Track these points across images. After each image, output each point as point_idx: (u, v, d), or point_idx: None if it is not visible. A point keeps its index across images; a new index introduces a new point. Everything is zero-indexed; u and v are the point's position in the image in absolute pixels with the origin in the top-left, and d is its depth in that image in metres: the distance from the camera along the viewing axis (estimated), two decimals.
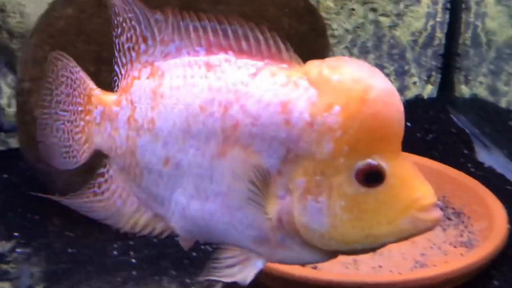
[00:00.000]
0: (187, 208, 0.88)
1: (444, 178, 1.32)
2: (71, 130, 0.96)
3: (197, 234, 0.91)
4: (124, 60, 0.93)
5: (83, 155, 0.95)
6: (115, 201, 0.93)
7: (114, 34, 0.93)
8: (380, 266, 1.17)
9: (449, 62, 1.78)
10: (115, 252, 1.29)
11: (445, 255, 1.20)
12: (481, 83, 1.79)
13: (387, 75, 1.81)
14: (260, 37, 0.83)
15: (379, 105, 0.76)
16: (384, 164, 0.77)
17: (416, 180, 0.79)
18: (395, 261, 1.18)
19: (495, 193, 1.31)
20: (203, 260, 1.22)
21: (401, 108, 0.78)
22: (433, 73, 1.80)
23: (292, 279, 1.08)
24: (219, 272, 0.87)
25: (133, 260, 1.26)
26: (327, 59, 0.81)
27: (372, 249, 0.82)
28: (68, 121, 0.96)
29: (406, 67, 1.78)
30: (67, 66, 0.96)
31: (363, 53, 1.78)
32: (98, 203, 0.94)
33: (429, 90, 1.80)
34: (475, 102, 1.76)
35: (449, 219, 1.27)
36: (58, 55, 0.96)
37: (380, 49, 1.79)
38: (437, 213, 0.78)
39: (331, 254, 0.83)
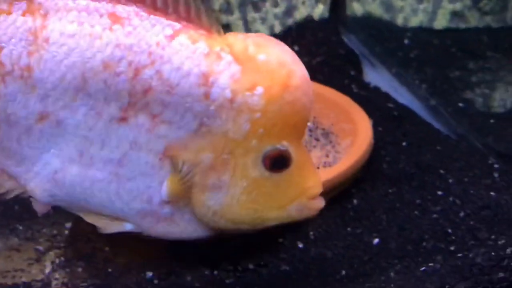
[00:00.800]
0: (61, 172, 0.81)
1: (315, 98, 1.29)
2: None
3: (63, 200, 0.83)
4: None
5: None
6: None
7: None
8: None
9: None
10: None
11: None
12: None
13: None
14: None
15: (299, 93, 0.77)
16: (291, 151, 0.79)
17: (310, 169, 0.82)
18: None
19: (375, 111, 1.24)
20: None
21: (312, 97, 0.80)
22: None
23: None
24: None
25: None
26: (250, 35, 0.80)
27: (256, 230, 0.83)
28: None
29: None
30: None
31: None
32: None
33: (320, 10, 1.72)
34: (368, 21, 1.65)
35: (317, 139, 1.17)
36: None
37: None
38: (321, 203, 0.83)
39: (215, 231, 0.82)
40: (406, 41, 1.61)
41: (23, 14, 0.79)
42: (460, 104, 1.31)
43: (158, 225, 0.83)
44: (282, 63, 0.77)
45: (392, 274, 0.86)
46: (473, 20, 1.69)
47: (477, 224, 0.93)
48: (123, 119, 0.78)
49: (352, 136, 1.12)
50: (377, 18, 1.68)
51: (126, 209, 0.82)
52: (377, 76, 1.49)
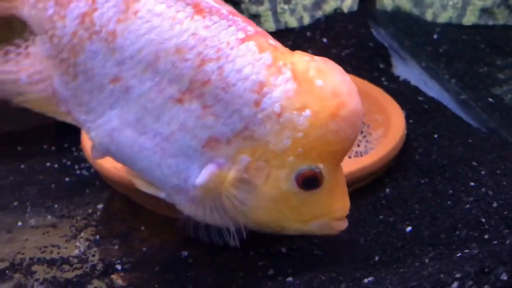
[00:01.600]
0: (118, 131, 0.86)
1: None
2: None
3: (114, 154, 0.89)
4: None
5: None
6: (20, 75, 0.89)
7: None
8: None
9: None
10: None
11: None
12: None
13: None
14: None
15: (344, 124, 0.80)
16: (324, 174, 0.82)
17: (341, 192, 0.85)
18: None
19: (406, 104, 1.25)
20: (75, 185, 1.15)
21: (359, 129, 0.83)
22: None
23: None
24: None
25: None
26: (316, 58, 0.82)
27: (275, 234, 0.88)
28: None
29: None
30: None
31: None
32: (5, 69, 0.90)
33: (349, 3, 1.72)
34: (397, 15, 1.66)
35: None
36: None
37: None
38: (344, 225, 0.86)
39: (237, 224, 0.85)
40: (435, 36, 1.62)
41: None
42: (490, 99, 1.32)
43: (187, 204, 0.86)
44: (336, 92, 0.80)
45: (426, 260, 0.87)
46: (502, 17, 1.69)
47: (511, 214, 0.93)
48: (179, 100, 0.82)
49: (385, 127, 1.13)
50: (407, 12, 1.70)
51: (163, 180, 0.86)
52: (406, 70, 1.50)
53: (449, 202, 0.99)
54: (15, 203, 1.11)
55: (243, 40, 0.81)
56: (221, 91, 0.81)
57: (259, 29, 0.83)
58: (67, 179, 1.17)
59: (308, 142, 0.80)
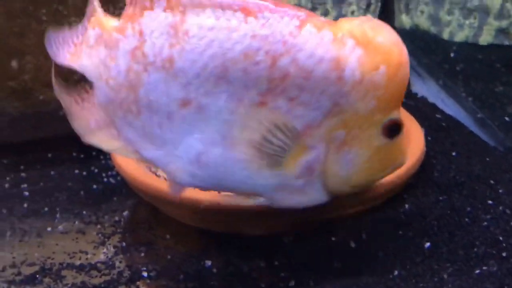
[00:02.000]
0: (205, 154, 0.85)
1: None
2: (71, 36, 0.91)
3: (203, 180, 0.87)
4: None
5: (64, 61, 0.91)
6: (89, 121, 0.89)
7: None
8: None
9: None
10: (6, 185, 1.20)
11: None
12: (422, 12, 1.71)
13: (324, 3, 1.76)
14: None
15: (407, 68, 0.85)
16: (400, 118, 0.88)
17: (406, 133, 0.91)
18: None
19: (424, 121, 1.24)
20: (103, 192, 1.16)
21: None
22: (373, 1, 1.70)
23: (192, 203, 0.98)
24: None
25: (26, 193, 1.17)
26: (361, 19, 0.85)
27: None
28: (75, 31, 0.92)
29: None
30: None
31: None
32: (76, 106, 0.91)
33: None
34: (415, 33, 1.66)
35: None
36: None
37: None
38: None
39: (333, 196, 0.89)
40: (452, 55, 1.62)
41: (165, 10, 0.83)
42: (506, 118, 1.31)
43: (290, 196, 0.87)
44: (395, 43, 0.84)
45: (445, 276, 0.87)
46: None
47: None
48: (262, 103, 0.82)
49: None
50: (425, 31, 1.69)
51: (264, 184, 0.86)
52: (424, 87, 1.50)
53: (467, 219, 0.98)
54: (45, 209, 1.12)
55: (300, 26, 0.81)
56: (303, 80, 0.81)
57: (304, 10, 0.84)
58: (94, 186, 1.18)
59: (388, 95, 0.84)
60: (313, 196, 0.87)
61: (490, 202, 1.01)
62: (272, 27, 0.80)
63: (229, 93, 0.82)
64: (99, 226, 1.07)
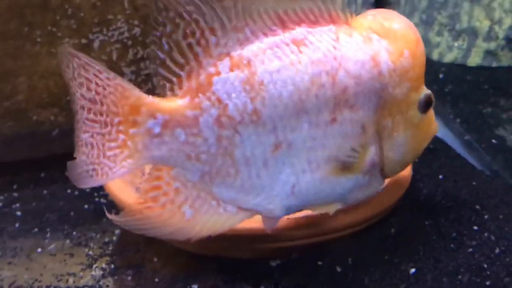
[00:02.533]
0: (298, 184, 0.85)
1: None
2: (103, 145, 0.82)
3: (296, 207, 0.88)
4: (182, 60, 0.81)
5: (116, 173, 0.81)
6: (184, 212, 0.83)
7: (158, 33, 0.80)
8: None
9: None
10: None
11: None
12: None
13: None
14: (311, 4, 0.84)
15: (423, 46, 0.89)
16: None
17: None
18: None
19: None
20: (93, 213, 1.13)
21: None
22: None
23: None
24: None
25: (18, 213, 1.14)
26: (373, 12, 0.89)
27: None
28: (98, 134, 0.82)
29: None
30: (86, 67, 0.82)
31: None
32: (157, 218, 0.83)
33: None
34: None
35: None
36: (72, 53, 0.83)
37: None
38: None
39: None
40: (441, 76, 1.60)
41: (231, 70, 0.82)
42: (494, 141, 1.29)
43: (360, 193, 0.91)
44: (408, 25, 0.89)
45: None
46: (506, 59, 1.67)
47: None
48: (333, 120, 0.84)
49: None
50: None
51: (342, 191, 0.88)
52: None
53: (452, 245, 0.95)
54: (36, 229, 1.09)
55: (337, 39, 0.84)
56: (356, 86, 0.84)
57: (328, 19, 0.86)
58: (86, 206, 1.15)
59: (416, 74, 0.88)
60: (375, 186, 0.91)
61: (475, 228, 0.98)
62: (321, 48, 0.83)
63: (308, 122, 0.83)
64: (88, 248, 1.05)
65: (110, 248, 1.04)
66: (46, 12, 1.16)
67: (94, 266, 1.00)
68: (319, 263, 0.96)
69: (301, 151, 0.83)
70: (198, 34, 0.80)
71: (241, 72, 0.81)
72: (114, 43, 1.21)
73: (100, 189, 1.19)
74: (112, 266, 1.00)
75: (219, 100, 0.80)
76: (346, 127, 0.84)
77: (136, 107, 0.80)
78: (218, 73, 0.80)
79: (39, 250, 1.04)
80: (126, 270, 0.98)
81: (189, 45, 0.80)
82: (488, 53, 1.65)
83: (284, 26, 0.83)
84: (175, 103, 0.81)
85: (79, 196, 1.18)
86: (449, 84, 1.54)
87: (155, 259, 0.99)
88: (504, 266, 0.89)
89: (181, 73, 0.81)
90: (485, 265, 0.90)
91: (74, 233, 1.08)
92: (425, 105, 0.90)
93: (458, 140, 1.30)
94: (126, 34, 1.21)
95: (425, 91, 0.91)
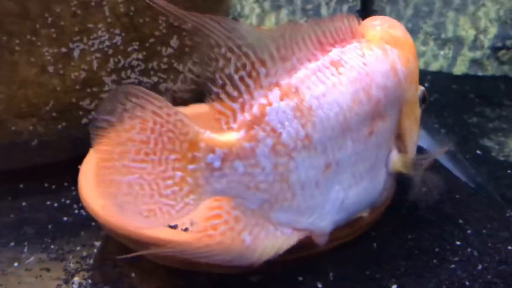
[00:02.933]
0: (346, 199, 0.86)
1: None
2: (157, 184, 0.79)
3: (342, 220, 0.90)
4: (235, 93, 0.80)
5: (182, 211, 0.80)
6: (244, 239, 0.82)
7: (211, 68, 0.79)
8: None
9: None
10: None
11: None
12: None
13: None
14: (338, 23, 0.87)
15: (414, 45, 0.95)
16: None
17: None
18: None
19: None
20: (72, 225, 1.09)
21: None
22: None
23: (160, 243, 0.89)
24: None
25: None
26: (377, 23, 0.92)
27: None
28: (149, 174, 0.80)
29: None
30: (145, 105, 0.79)
31: (275, 8, 1.61)
32: (217, 246, 0.82)
33: None
34: None
35: None
36: (135, 90, 0.79)
37: (294, 3, 1.65)
38: None
39: None
40: (426, 85, 1.58)
41: (281, 99, 0.81)
42: (478, 152, 1.26)
43: (383, 195, 0.94)
44: (405, 31, 0.94)
45: None
46: (491, 68, 1.65)
47: (494, 279, 0.87)
48: (370, 133, 0.86)
49: None
50: None
51: (377, 194, 0.92)
52: None
53: (435, 261, 0.92)
54: (12, 243, 1.05)
55: (363, 54, 0.86)
56: (385, 98, 0.87)
57: (351, 35, 0.88)
58: (65, 218, 1.11)
59: (416, 74, 0.94)
60: (393, 186, 0.95)
61: (458, 243, 0.95)
62: (355, 67, 0.84)
63: (352, 139, 0.85)
64: (65, 262, 1.00)
65: (88, 262, 1.00)
66: (25, 20, 1.12)
67: (70, 281, 0.96)
68: (300, 278, 0.93)
69: (347, 167, 0.85)
70: (249, 67, 0.81)
71: (291, 101, 0.81)
72: (95, 52, 1.18)
73: (80, 200, 1.14)
74: (90, 281, 0.96)
75: (273, 130, 0.81)
76: (380, 138, 0.87)
77: (195, 143, 0.79)
78: (270, 104, 0.80)
79: (16, 264, 1.00)
80: (103, 286, 0.94)
81: (241, 78, 0.80)
82: (474, 62, 1.63)
83: (322, 49, 0.84)
84: (232, 136, 0.80)
85: (58, 209, 1.14)
86: (434, 93, 1.52)
87: (133, 275, 0.96)
88: (486, 283, 0.86)
89: (235, 105, 0.81)
90: (467, 283, 0.87)
91: (52, 246, 1.04)
92: (423, 101, 0.96)
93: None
94: (107, 43, 1.18)
95: (421, 87, 0.96)
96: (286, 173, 0.82)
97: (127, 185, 0.80)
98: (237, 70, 0.80)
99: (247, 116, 0.81)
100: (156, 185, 0.80)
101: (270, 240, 0.84)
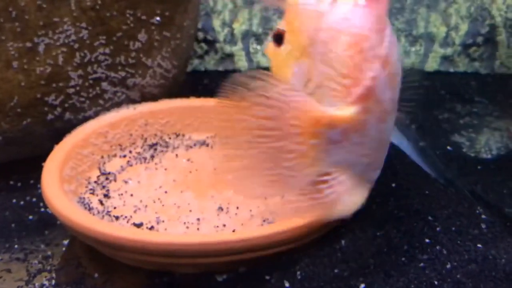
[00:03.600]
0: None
1: None
2: (278, 158, 0.84)
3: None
4: (345, 70, 0.84)
5: (301, 181, 0.85)
6: (342, 200, 0.88)
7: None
8: (224, 225, 0.96)
9: None
10: None
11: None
12: None
13: None
14: None
15: None
16: None
17: None
18: (242, 219, 0.98)
19: None
20: (37, 224, 1.03)
21: None
22: None
23: (124, 242, 0.85)
24: None
25: None
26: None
27: None
28: (271, 148, 0.84)
29: None
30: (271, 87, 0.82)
31: (248, 3, 1.60)
32: (318, 206, 0.87)
33: None
34: None
35: None
36: (261, 74, 0.83)
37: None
38: None
39: None
40: None
41: (383, 69, 0.85)
42: (449, 148, 1.23)
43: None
44: None
45: None
46: (462, 65, 1.61)
47: (463, 279, 0.83)
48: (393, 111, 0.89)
49: None
50: None
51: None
52: None
53: (403, 259, 0.88)
54: None
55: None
56: (399, 84, 0.89)
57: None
58: (30, 217, 1.05)
59: None
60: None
61: (427, 240, 0.91)
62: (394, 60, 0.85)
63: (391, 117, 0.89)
64: (27, 263, 0.95)
65: (51, 263, 0.94)
66: None
67: (32, 283, 0.90)
68: (267, 277, 0.88)
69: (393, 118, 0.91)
70: (357, 44, 0.83)
71: (387, 70, 0.84)
72: (60, 47, 1.12)
73: None
74: (53, 282, 0.90)
75: (379, 100, 0.84)
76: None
77: (318, 120, 0.83)
78: (376, 76, 0.83)
79: None
80: (66, 287, 0.89)
81: (351, 56, 0.83)
82: (445, 58, 1.59)
83: None
84: (349, 111, 0.84)
85: (23, 206, 1.08)
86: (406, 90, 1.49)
87: (96, 275, 0.90)
88: (454, 283, 0.82)
89: (347, 82, 0.84)
90: (436, 282, 0.82)
91: (16, 246, 0.98)
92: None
93: (413, 147, 1.24)
94: (73, 37, 1.13)
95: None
96: (383, 136, 0.88)
97: (249, 159, 0.85)
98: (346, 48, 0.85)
99: (359, 90, 0.84)
100: (278, 158, 0.84)
101: (358, 197, 0.90)
